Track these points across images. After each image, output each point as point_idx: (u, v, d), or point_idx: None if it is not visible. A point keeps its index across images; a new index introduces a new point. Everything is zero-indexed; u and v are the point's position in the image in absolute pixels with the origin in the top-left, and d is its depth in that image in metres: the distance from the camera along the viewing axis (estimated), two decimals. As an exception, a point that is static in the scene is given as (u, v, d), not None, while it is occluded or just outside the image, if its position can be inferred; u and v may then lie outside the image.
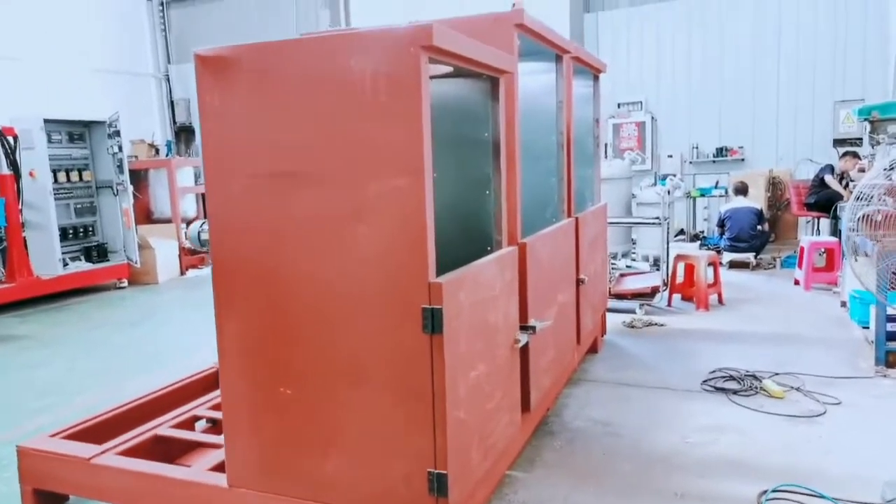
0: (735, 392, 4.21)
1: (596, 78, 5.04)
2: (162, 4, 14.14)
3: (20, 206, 7.81)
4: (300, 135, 2.30)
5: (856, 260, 5.57)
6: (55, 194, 8.07)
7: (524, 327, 3.08)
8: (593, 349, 5.14)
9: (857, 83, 10.29)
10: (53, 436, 3.04)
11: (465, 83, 2.94)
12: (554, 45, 3.68)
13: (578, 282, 4.21)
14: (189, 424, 3.29)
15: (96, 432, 3.13)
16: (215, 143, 2.43)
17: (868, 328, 5.02)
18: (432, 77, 2.95)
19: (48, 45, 10.59)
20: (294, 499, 2.44)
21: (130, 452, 2.90)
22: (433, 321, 2.18)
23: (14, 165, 7.73)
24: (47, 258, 7.92)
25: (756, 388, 4.27)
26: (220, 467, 2.65)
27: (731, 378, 4.46)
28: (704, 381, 4.42)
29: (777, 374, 4.49)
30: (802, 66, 10.60)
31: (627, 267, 8.92)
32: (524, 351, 3.09)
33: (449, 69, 2.71)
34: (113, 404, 3.43)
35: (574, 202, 4.24)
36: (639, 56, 11.52)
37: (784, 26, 10.65)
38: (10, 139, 7.72)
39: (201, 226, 2.64)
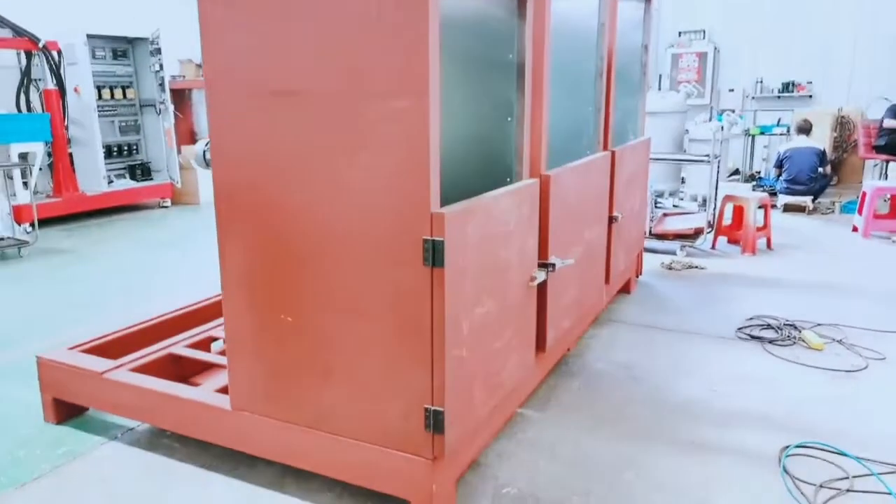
0: (771, 341, 4.01)
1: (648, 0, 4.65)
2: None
3: (66, 123, 7.93)
4: (300, 50, 2.15)
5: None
6: (99, 111, 8.14)
7: (543, 264, 2.93)
8: (626, 290, 4.97)
9: (948, 14, 9.37)
10: (72, 349, 3.10)
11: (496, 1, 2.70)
12: (597, -41, 3.36)
13: (611, 219, 4.00)
14: (205, 345, 3.31)
15: (114, 348, 3.19)
16: (216, 57, 2.30)
17: (926, 282, 4.69)
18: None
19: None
20: (293, 424, 2.42)
21: (144, 369, 2.94)
22: (434, 254, 2.05)
23: (59, 80, 7.79)
24: (93, 175, 8.08)
25: (794, 338, 4.05)
26: (227, 389, 2.65)
27: (769, 327, 4.24)
28: (740, 329, 4.22)
29: (819, 324, 4.26)
30: (886, -6, 9.69)
31: (674, 206, 8.57)
32: (542, 289, 2.96)
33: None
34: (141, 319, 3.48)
35: (612, 135, 3.99)
36: (705, -20, 10.73)
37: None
38: (55, 54, 7.75)
39: (206, 145, 2.55)
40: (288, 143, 2.23)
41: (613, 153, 3.93)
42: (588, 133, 3.81)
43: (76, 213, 8.01)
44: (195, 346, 3.25)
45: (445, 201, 2.20)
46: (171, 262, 6.33)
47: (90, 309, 4.81)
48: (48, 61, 7.65)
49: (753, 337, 4.08)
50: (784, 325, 4.25)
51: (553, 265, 2.96)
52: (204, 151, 2.46)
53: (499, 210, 2.43)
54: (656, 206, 8.31)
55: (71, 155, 8.00)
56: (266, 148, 2.27)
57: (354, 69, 2.08)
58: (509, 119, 2.72)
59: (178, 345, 3.21)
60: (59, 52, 7.79)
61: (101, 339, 3.22)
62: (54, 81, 7.74)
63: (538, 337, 3.00)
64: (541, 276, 2.83)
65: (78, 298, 5.11)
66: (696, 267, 5.72)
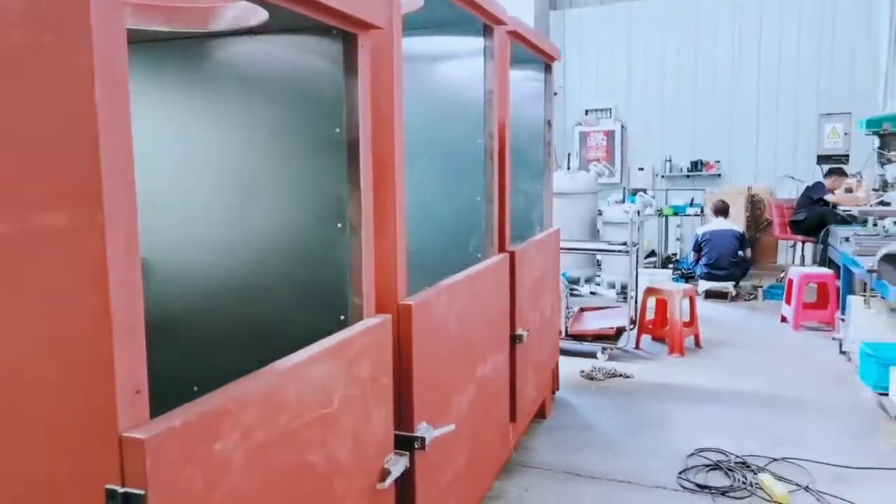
0: (724, 493, 3.10)
1: (548, 68, 3.93)
2: None
3: None
4: None
5: (867, 305, 4.56)
6: None
7: (406, 440, 1.92)
8: (541, 414, 4.01)
9: (844, 95, 9.39)
10: None
11: (310, 47, 1.78)
12: (477, 7, 2.55)
13: (514, 339, 3.07)
14: None
15: None
16: None
17: (887, 394, 3.99)
18: (247, 32, 1.80)
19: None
20: None
21: None
22: (127, 523, 1.00)
23: None
24: None
25: (751, 485, 3.16)
26: None
27: (717, 467, 3.35)
28: (682, 472, 3.30)
29: (775, 460, 3.41)
30: (784, 75, 9.67)
31: (592, 293, 7.86)
32: (405, 479, 1.93)
33: (264, 15, 1.57)
34: None
35: (510, 230, 3.11)
36: (609, 59, 10.52)
37: (765, 31, 9.72)
38: None
39: None
40: None
41: (513, 254, 3.04)
42: (479, 230, 2.91)
43: None
44: None
45: (183, 394, 1.18)
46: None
47: None
48: None
49: (700, 487, 3.17)
50: (735, 463, 3.37)
51: (422, 440, 1.95)
52: None
53: (300, 389, 1.41)
54: (572, 295, 7.56)
55: None
56: None
57: (-24, 151, 1.06)
58: (340, 226, 1.76)
59: None
60: None
61: None
62: None
63: (401, 554, 1.95)
64: (399, 465, 1.81)
65: None
66: (621, 375, 4.86)
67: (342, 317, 1.77)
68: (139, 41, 1.84)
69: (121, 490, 1.00)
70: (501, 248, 3.00)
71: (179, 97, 1.79)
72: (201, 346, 1.88)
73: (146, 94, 1.79)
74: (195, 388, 1.79)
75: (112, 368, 1.00)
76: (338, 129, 1.72)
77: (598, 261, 8.05)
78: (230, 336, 1.86)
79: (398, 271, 1.92)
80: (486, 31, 2.77)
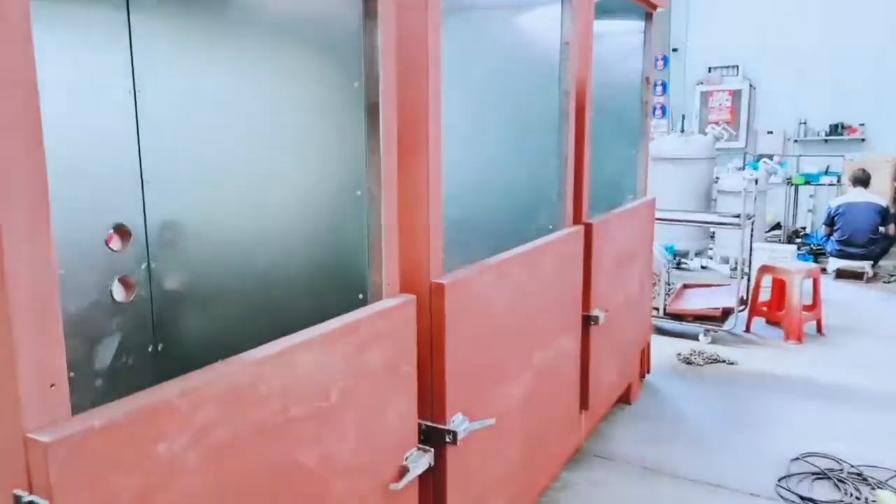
0: (830, 509, 2.69)
1: (649, 17, 3.49)
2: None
3: None
4: None
5: None
6: None
7: (435, 431, 1.73)
8: (625, 399, 3.69)
9: None
10: None
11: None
12: (551, -57, 2.22)
13: (588, 321, 2.77)
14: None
15: None
16: None
17: None
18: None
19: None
20: None
21: None
22: (34, 535, 0.88)
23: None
24: None
25: (866, 501, 2.72)
26: None
27: (825, 476, 2.92)
28: (782, 480, 2.90)
29: (900, 474, 2.92)
30: (950, 23, 8.32)
31: (703, 268, 7.26)
32: (436, 475, 1.74)
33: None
34: None
35: (588, 199, 2.78)
36: (738, 10, 9.52)
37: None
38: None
39: None
40: None
41: (589, 227, 2.72)
42: (550, 199, 2.61)
43: None
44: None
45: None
46: None
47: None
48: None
49: (803, 499, 2.76)
50: (848, 474, 2.91)
51: (453, 434, 1.75)
52: None
53: (285, 380, 1.24)
54: (678, 267, 7.04)
55: None
56: None
57: None
58: (359, 193, 1.56)
59: None
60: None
61: None
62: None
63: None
64: (421, 462, 1.61)
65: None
66: (724, 361, 4.39)
67: (360, 295, 1.58)
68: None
69: (26, 498, 0.87)
70: (577, 220, 2.70)
71: (183, 48, 1.64)
72: (222, 321, 1.76)
73: (144, 46, 1.65)
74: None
75: (13, 358, 0.86)
76: (356, 83, 1.51)
77: (711, 233, 7.41)
78: (250, 310, 1.72)
79: (431, 245, 1.70)
80: (564, -28, 2.43)
